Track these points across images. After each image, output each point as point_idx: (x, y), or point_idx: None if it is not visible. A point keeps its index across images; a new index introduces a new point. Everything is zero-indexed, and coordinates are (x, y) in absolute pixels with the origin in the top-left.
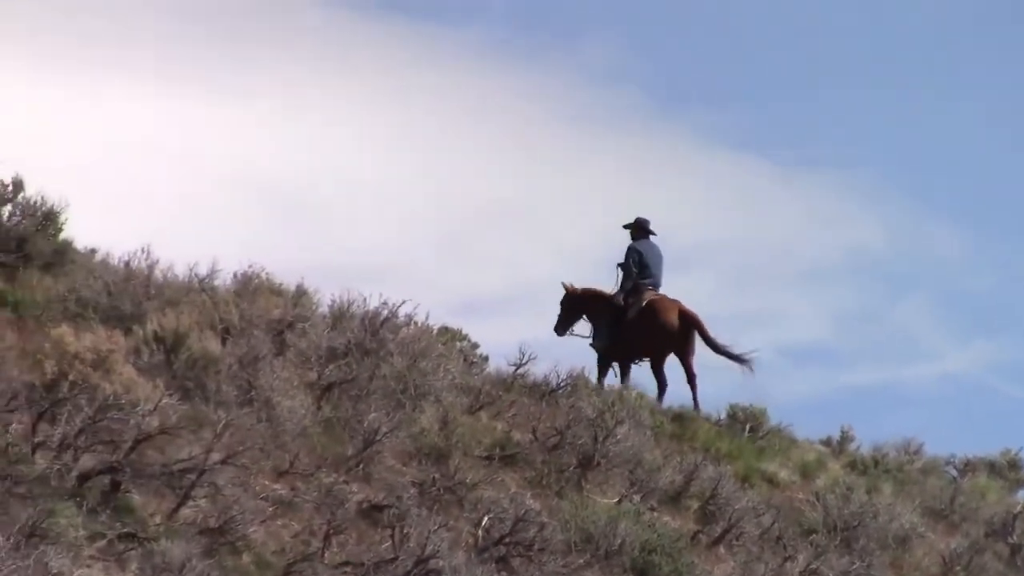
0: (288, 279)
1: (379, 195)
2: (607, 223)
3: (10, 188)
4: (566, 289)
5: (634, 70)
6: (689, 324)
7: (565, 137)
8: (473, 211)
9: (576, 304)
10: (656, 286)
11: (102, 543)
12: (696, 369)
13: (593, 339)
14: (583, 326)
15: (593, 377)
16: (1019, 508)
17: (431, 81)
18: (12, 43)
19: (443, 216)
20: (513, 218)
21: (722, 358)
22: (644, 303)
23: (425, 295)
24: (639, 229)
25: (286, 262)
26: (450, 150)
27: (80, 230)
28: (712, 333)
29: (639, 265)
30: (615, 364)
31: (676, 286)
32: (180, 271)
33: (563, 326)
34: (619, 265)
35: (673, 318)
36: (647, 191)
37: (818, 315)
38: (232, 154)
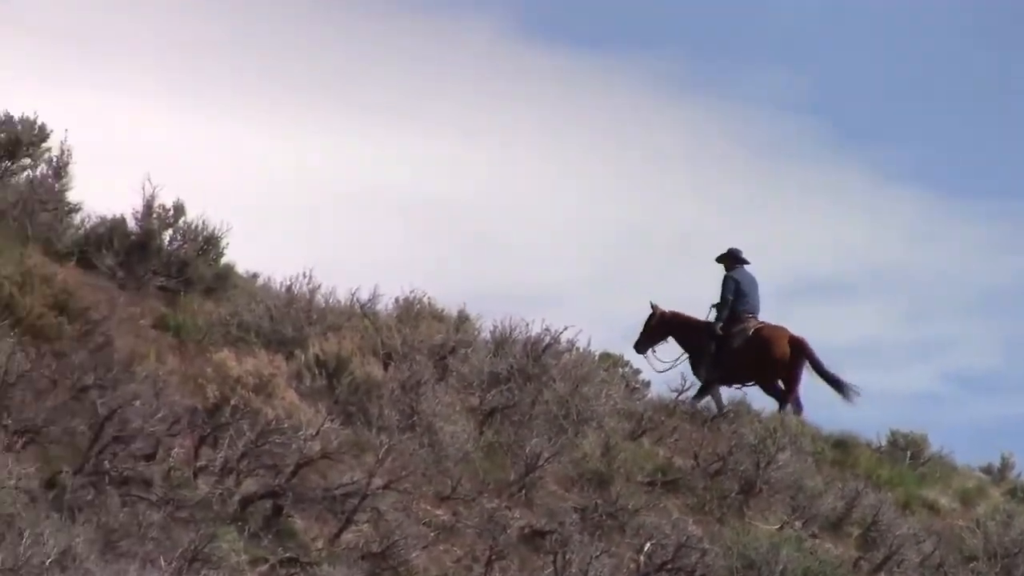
0: (450, 304)
1: (548, 222)
2: (777, 253)
3: (171, 213)
4: (654, 309)
5: (807, 101)
6: (799, 351)
7: (737, 167)
8: (640, 239)
9: (663, 327)
10: (755, 313)
11: (264, 568)
12: (801, 395)
13: (694, 369)
14: (666, 349)
15: (722, 406)
16: None
17: (603, 110)
18: (177, 72)
19: (612, 244)
20: (679, 246)
21: (826, 384)
22: (751, 331)
23: (591, 322)
24: (733, 259)
25: (452, 288)
26: (620, 178)
27: (252, 255)
28: (820, 359)
29: (736, 293)
30: (715, 389)
31: (847, 315)
32: (342, 296)
33: (644, 345)
34: (713, 306)
35: (784, 346)
36: (817, 221)
37: (990, 342)
38: (400, 181)
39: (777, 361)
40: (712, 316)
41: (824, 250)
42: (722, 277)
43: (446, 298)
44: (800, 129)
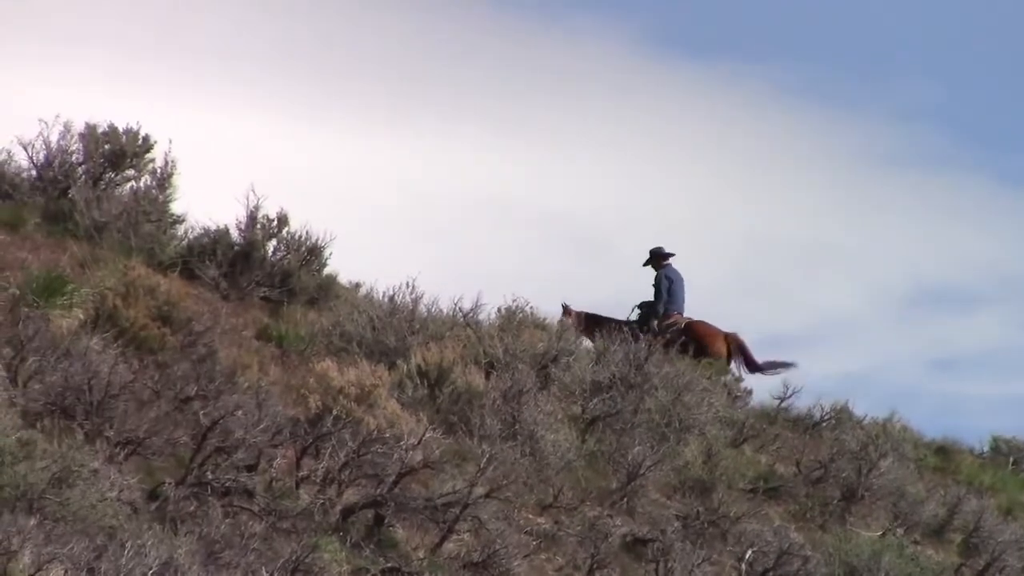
0: (552, 313)
1: (667, 232)
2: (912, 261)
3: (275, 223)
4: (565, 310)
5: (939, 111)
6: (736, 348)
7: (860, 175)
8: (761, 249)
9: (577, 327)
10: (681, 310)
11: None
12: None
13: None
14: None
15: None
16: None
17: (724, 121)
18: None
19: (732, 254)
20: (818, 256)
21: (759, 375)
22: (683, 326)
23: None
24: (661, 258)
25: (569, 299)
26: (741, 188)
27: (363, 265)
28: (753, 354)
29: (669, 292)
30: None
31: (970, 324)
32: (444, 305)
33: None
34: (639, 305)
35: (720, 343)
36: (942, 230)
37: None
38: (516, 192)
39: (713, 357)
40: (635, 315)
41: (949, 259)
42: (655, 276)
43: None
44: (923, 137)
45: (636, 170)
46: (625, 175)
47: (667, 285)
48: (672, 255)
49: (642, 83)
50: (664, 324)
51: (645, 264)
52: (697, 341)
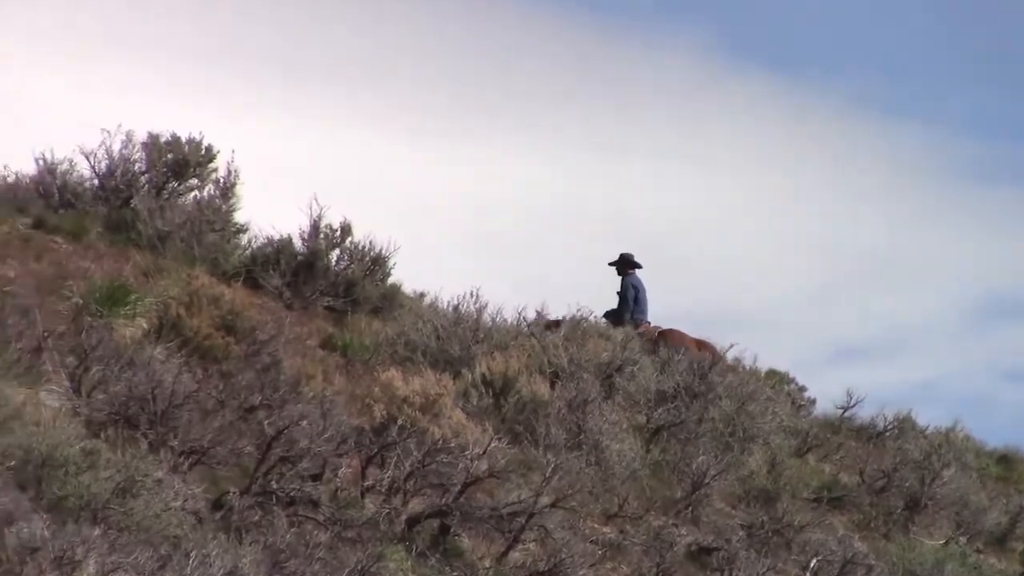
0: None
1: (747, 244)
2: (985, 271)
3: (338, 233)
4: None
5: (1005, 124)
6: (709, 353)
7: (936, 188)
8: (839, 259)
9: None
10: (646, 317)
11: None
12: None
13: None
14: None
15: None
16: None
17: (800, 133)
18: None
19: (822, 263)
20: (890, 265)
21: None
22: (655, 334)
23: (799, 342)
24: (628, 264)
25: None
26: (829, 199)
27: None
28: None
29: (636, 300)
30: None
31: None
32: (509, 315)
33: None
34: (608, 312)
35: (694, 349)
36: (1015, 241)
37: None
38: (598, 202)
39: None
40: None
41: (1022, 269)
42: (622, 282)
43: (657, 320)
44: (996, 149)
45: (708, 180)
46: (696, 185)
47: (633, 294)
48: (640, 266)
49: (715, 92)
50: (636, 333)
51: (611, 264)
52: (673, 349)
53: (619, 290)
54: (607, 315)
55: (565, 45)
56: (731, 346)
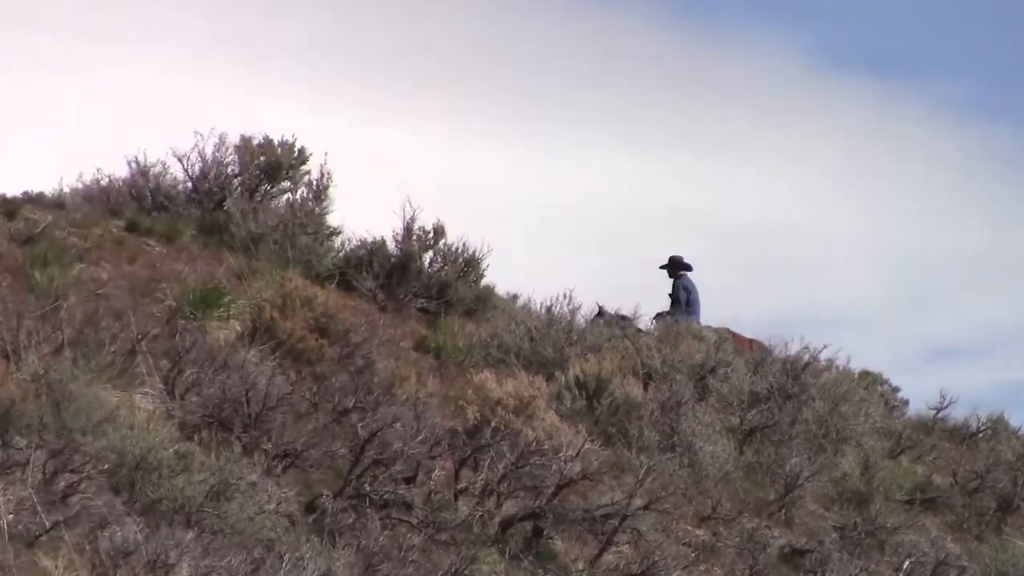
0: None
1: (846, 246)
2: None
3: (431, 235)
4: (600, 311)
5: None
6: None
7: None
8: (934, 262)
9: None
10: (699, 317)
11: None
12: None
13: None
14: None
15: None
16: None
17: (905, 135)
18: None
19: (915, 265)
20: (982, 267)
21: None
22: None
23: (891, 342)
24: (678, 266)
25: (756, 312)
26: (922, 201)
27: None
28: None
29: (687, 302)
30: None
31: None
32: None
33: None
34: (662, 313)
35: (747, 349)
36: None
37: None
38: (700, 206)
39: None
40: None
41: None
42: (673, 283)
43: (749, 321)
44: None
45: (804, 181)
46: (792, 186)
47: (685, 296)
48: (690, 268)
49: (810, 95)
50: None
51: (662, 267)
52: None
53: (671, 292)
54: (658, 316)
55: (657, 45)
56: (824, 347)
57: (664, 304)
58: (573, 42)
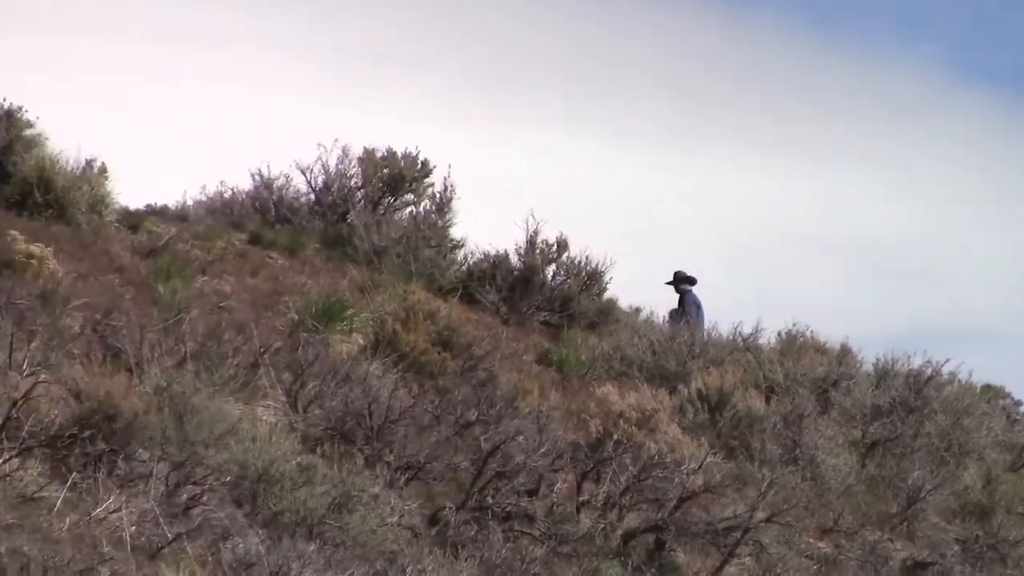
0: (832, 337)
1: (973, 258)
2: None
3: (554, 248)
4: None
5: None
6: None
7: None
8: None
9: None
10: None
11: None
12: None
13: None
14: None
15: None
16: None
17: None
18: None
19: None
20: None
21: None
22: None
23: (1014, 357)
24: (682, 281)
25: (886, 326)
26: None
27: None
28: None
29: (698, 315)
30: None
31: None
32: (724, 330)
33: None
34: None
35: None
36: None
37: None
38: (811, 219)
39: None
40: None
41: None
42: (681, 298)
43: (878, 336)
44: None
45: (932, 193)
46: (914, 199)
47: (695, 310)
48: (695, 282)
49: (940, 107)
50: None
51: (668, 283)
52: None
53: (679, 307)
54: (672, 318)
55: (784, 57)
56: (946, 361)
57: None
58: (695, 50)
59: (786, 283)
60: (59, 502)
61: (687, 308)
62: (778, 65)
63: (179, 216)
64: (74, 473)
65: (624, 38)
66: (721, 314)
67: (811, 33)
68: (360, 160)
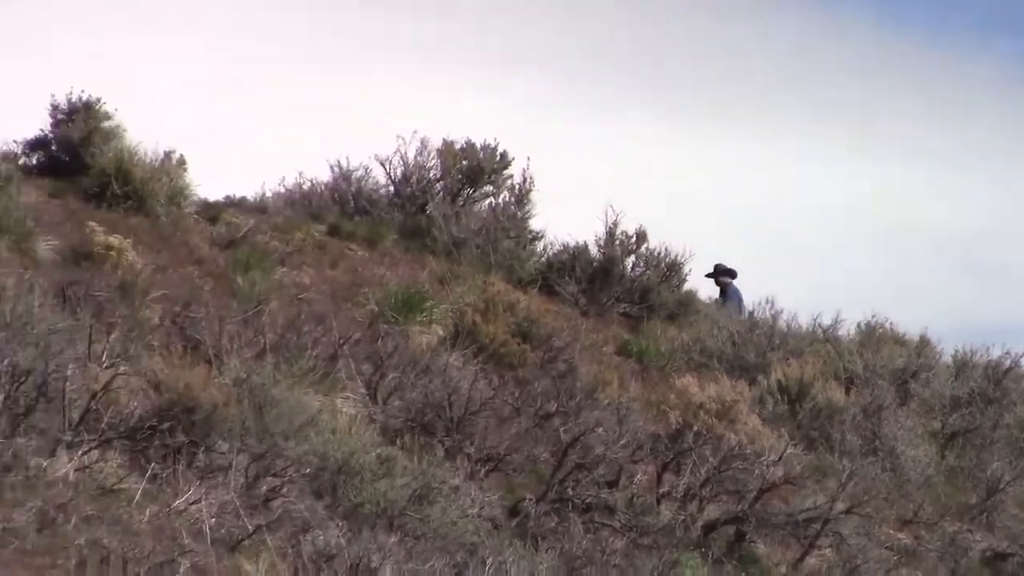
0: (911, 329)
1: None
2: None
3: (634, 240)
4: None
5: None
6: None
7: None
8: None
9: None
10: None
11: None
12: None
13: None
14: None
15: None
16: None
17: None
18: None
19: None
20: None
21: None
22: None
23: None
24: (722, 273)
25: (965, 319)
26: None
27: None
28: None
29: (739, 306)
30: None
31: None
32: (804, 321)
33: None
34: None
35: None
36: None
37: None
38: (892, 211)
39: None
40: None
41: None
42: (728, 289)
43: (956, 331)
44: None
45: (1007, 187)
46: (995, 191)
47: (737, 301)
48: (735, 274)
49: (1019, 103)
50: None
51: (708, 276)
52: None
53: (720, 298)
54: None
55: (873, 50)
56: None
57: None
58: (784, 43)
59: (857, 273)
60: (139, 494)
61: (728, 300)
62: (859, 58)
63: (258, 207)
64: (154, 465)
65: (698, 29)
66: (801, 307)
67: (899, 29)
68: (439, 152)
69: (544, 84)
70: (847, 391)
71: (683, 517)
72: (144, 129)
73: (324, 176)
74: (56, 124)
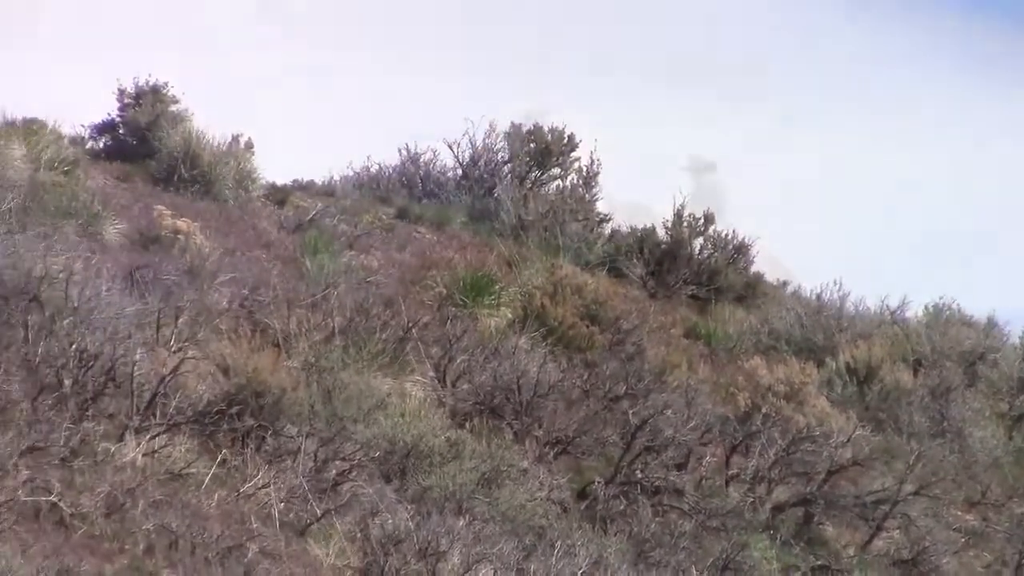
0: (979, 312)
1: None
2: None
3: (701, 222)
4: None
5: None
6: None
7: None
8: None
9: None
10: None
11: None
12: None
13: None
14: None
15: None
16: None
17: None
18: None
19: None
20: None
21: None
22: None
23: None
24: None
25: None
26: None
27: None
28: None
29: None
30: None
31: None
32: (871, 304)
33: None
34: None
35: None
36: None
37: None
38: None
39: None
40: None
41: None
42: None
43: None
44: None
45: None
46: None
47: None
48: None
49: None
50: None
51: None
52: None
53: None
54: None
55: (981, 45)
56: None
57: None
58: (883, 36)
59: (920, 256)
60: (207, 478)
61: None
62: (967, 51)
63: (326, 191)
64: (222, 449)
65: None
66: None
67: (983, 18)
68: (507, 135)
69: (602, 65)
70: (915, 373)
71: (751, 499)
72: (212, 114)
73: (392, 159)
74: (123, 108)
